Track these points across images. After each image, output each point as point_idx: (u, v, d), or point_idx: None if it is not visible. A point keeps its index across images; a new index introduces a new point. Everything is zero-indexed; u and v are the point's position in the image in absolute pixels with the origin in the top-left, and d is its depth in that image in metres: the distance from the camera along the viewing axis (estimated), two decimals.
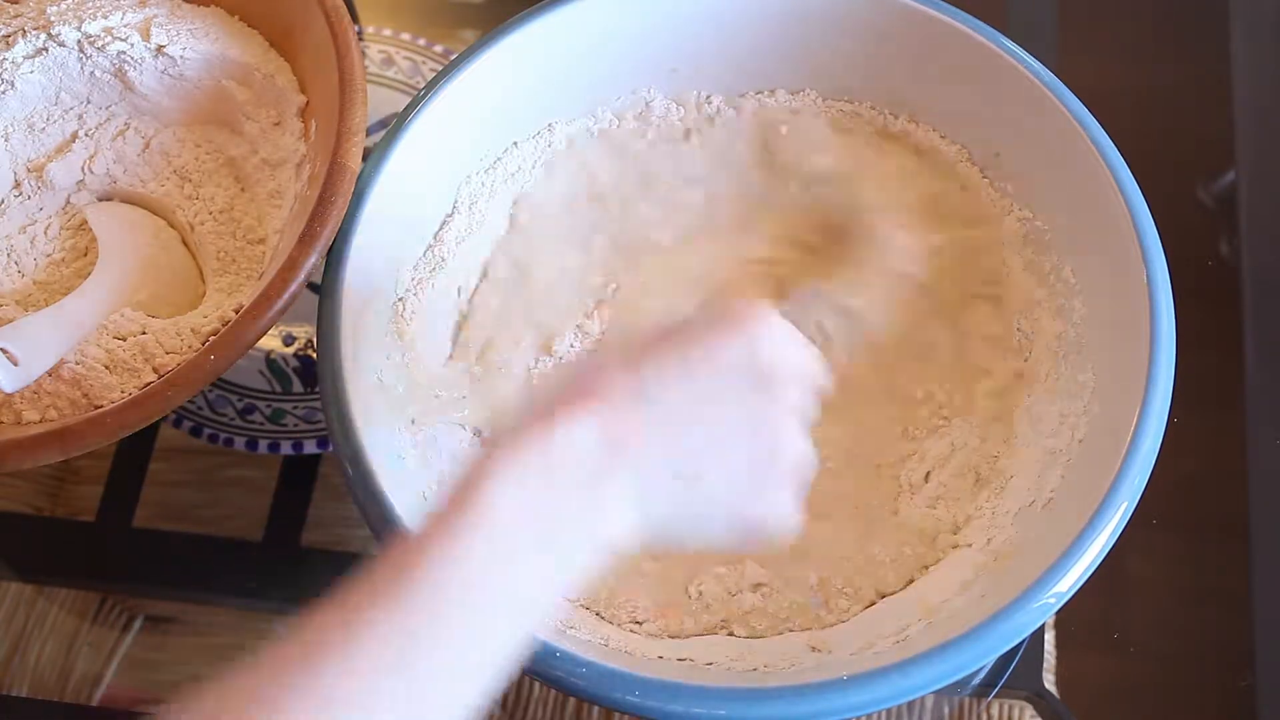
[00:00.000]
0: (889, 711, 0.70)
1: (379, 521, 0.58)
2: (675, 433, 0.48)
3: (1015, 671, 0.71)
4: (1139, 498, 0.58)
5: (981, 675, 0.71)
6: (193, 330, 0.65)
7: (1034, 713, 0.71)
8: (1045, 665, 0.71)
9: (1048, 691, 0.71)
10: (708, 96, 0.76)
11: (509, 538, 0.44)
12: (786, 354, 0.51)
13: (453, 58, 0.70)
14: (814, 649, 0.62)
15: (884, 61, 0.72)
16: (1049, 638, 0.72)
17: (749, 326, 0.50)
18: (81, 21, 0.70)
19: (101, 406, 0.63)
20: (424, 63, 0.89)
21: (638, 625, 0.64)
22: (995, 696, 0.71)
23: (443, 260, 0.71)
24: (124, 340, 0.65)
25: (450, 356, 0.71)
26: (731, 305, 0.52)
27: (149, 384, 0.64)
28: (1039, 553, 0.58)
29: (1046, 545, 0.58)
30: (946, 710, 0.71)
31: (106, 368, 0.64)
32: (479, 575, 0.44)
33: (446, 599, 0.43)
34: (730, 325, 0.50)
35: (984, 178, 0.72)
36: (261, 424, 0.77)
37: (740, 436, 0.50)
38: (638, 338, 0.50)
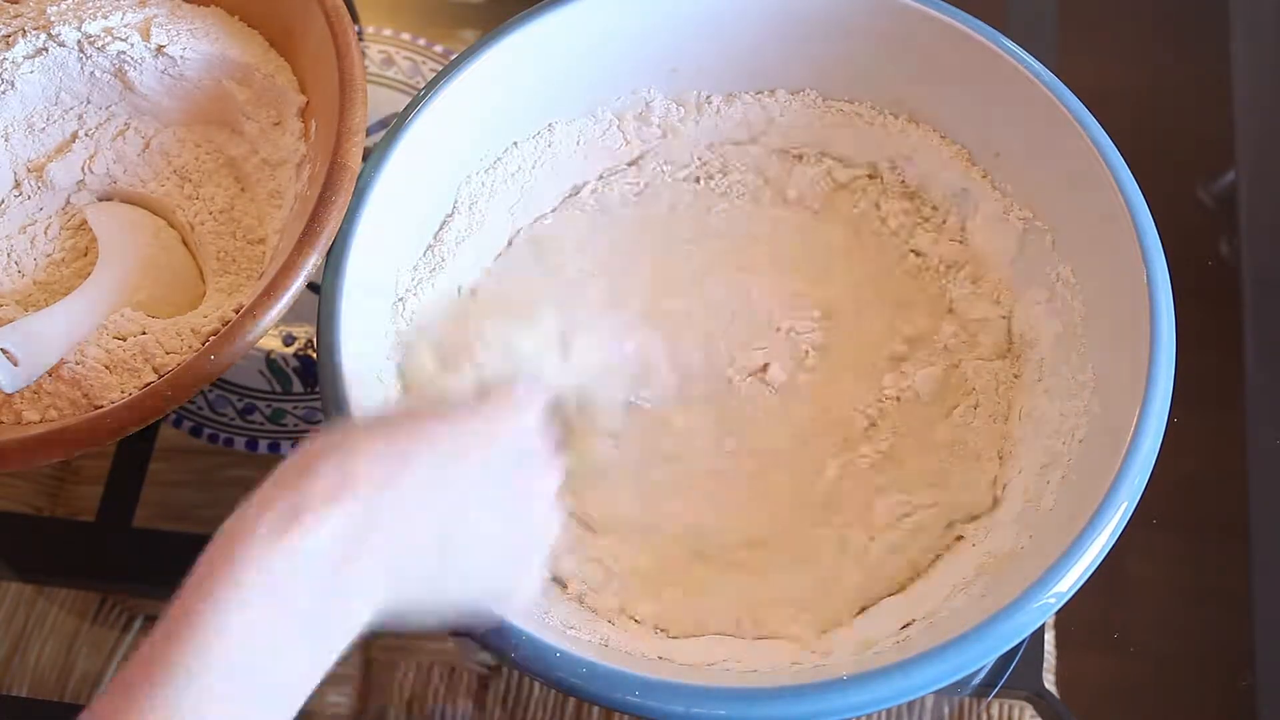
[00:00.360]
0: (889, 711, 0.70)
1: None
2: (433, 513, 0.49)
3: (1015, 671, 0.71)
4: (1139, 498, 0.58)
5: (981, 675, 0.71)
6: (193, 330, 0.65)
7: (1034, 713, 0.71)
8: (1045, 665, 0.71)
9: (1048, 691, 0.71)
10: (708, 96, 0.76)
11: (239, 670, 0.43)
12: (541, 436, 0.55)
13: (453, 58, 0.70)
14: (814, 649, 0.62)
15: (884, 61, 0.72)
16: (1049, 638, 0.72)
17: (522, 410, 0.54)
18: (81, 21, 0.70)
19: (101, 406, 0.63)
20: (424, 63, 0.89)
21: (637, 624, 0.64)
22: (995, 696, 0.71)
23: (443, 260, 0.71)
24: (124, 340, 0.65)
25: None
26: (505, 388, 0.55)
27: (149, 384, 0.63)
28: (1039, 553, 0.58)
29: (1046, 545, 0.58)
30: (946, 710, 0.71)
31: (106, 368, 0.64)
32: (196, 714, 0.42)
33: None
34: (504, 407, 0.54)
35: (984, 178, 0.72)
36: (261, 424, 0.77)
37: (499, 516, 0.52)
38: (404, 414, 0.53)
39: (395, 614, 0.48)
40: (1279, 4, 0.90)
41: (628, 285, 0.73)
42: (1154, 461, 0.58)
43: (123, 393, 0.64)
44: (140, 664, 0.42)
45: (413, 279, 0.70)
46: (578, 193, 0.76)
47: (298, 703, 0.45)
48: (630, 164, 0.77)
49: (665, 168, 0.77)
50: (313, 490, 0.46)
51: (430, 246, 0.71)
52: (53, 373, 0.64)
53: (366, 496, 0.46)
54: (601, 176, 0.77)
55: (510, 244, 0.75)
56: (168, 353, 0.65)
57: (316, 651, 0.46)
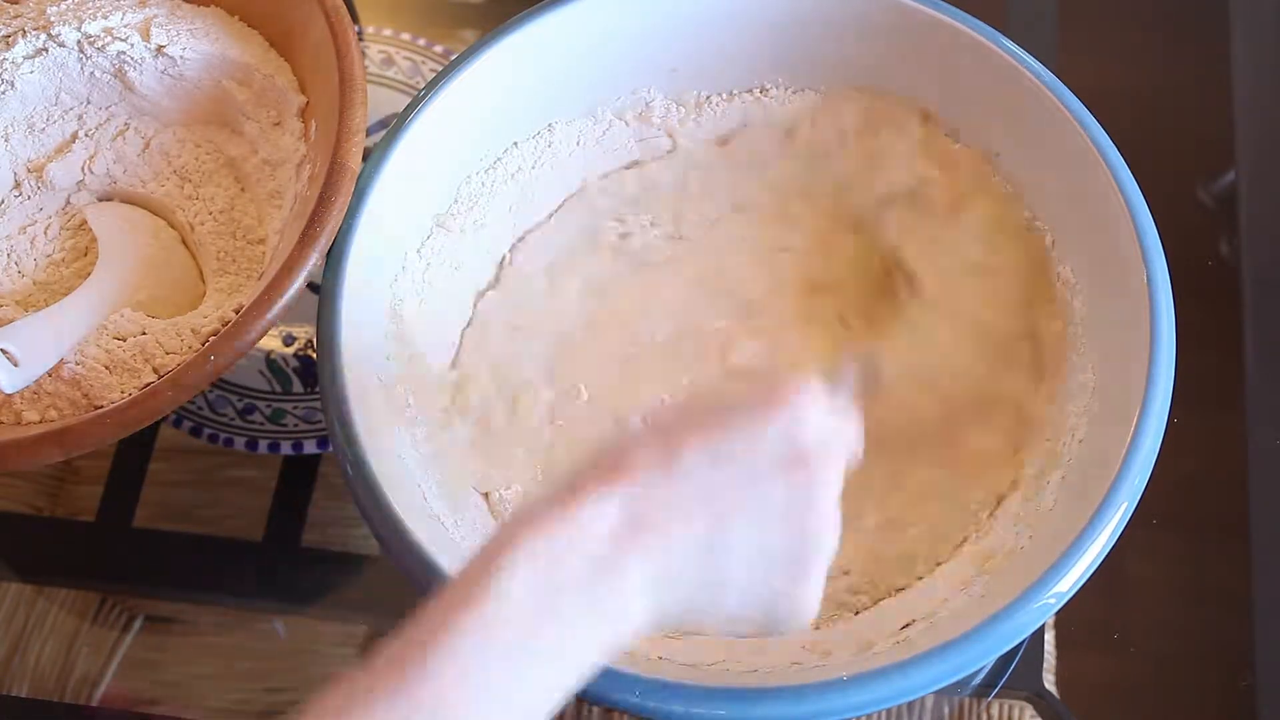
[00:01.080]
0: (889, 711, 0.70)
1: (379, 521, 0.58)
2: (705, 512, 0.47)
3: (1015, 671, 0.71)
4: (1139, 498, 0.58)
5: (981, 675, 0.71)
6: (193, 330, 0.65)
7: (1034, 713, 0.71)
8: (1045, 665, 0.71)
9: (1048, 691, 0.71)
10: (707, 96, 0.76)
11: (517, 635, 0.43)
12: (827, 435, 0.49)
13: (453, 58, 0.71)
14: (814, 649, 0.62)
15: (884, 61, 0.72)
16: (1049, 638, 0.72)
17: (792, 404, 0.49)
18: (81, 22, 0.70)
19: (101, 406, 0.63)
20: (424, 63, 0.89)
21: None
22: (995, 696, 0.71)
23: (443, 261, 0.71)
24: (124, 340, 0.65)
25: (459, 358, 0.71)
26: (776, 380, 0.50)
27: (149, 384, 0.63)
28: (1039, 553, 0.58)
29: (1046, 545, 0.58)
30: (946, 710, 0.71)
31: (106, 368, 0.64)
32: (482, 674, 0.43)
33: (446, 697, 0.42)
34: (773, 401, 0.49)
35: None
36: (261, 424, 0.77)
37: (773, 520, 0.48)
38: (674, 412, 0.50)
39: (667, 623, 0.47)
40: (1279, 4, 0.90)
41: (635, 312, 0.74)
42: (1154, 462, 0.58)
43: (123, 393, 0.64)
44: (411, 641, 0.43)
45: (413, 279, 0.70)
46: (578, 193, 0.76)
47: (570, 682, 0.45)
48: (630, 164, 0.77)
49: (665, 168, 0.77)
50: (584, 478, 0.46)
51: (430, 247, 0.71)
52: (53, 373, 0.64)
53: (633, 494, 0.46)
54: (605, 176, 0.76)
55: (512, 247, 0.75)
56: (168, 353, 0.65)
57: (589, 638, 0.45)
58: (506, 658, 0.43)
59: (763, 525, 0.48)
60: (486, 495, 0.68)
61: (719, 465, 0.47)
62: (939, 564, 0.65)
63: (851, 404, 0.52)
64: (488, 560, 0.44)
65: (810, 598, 0.50)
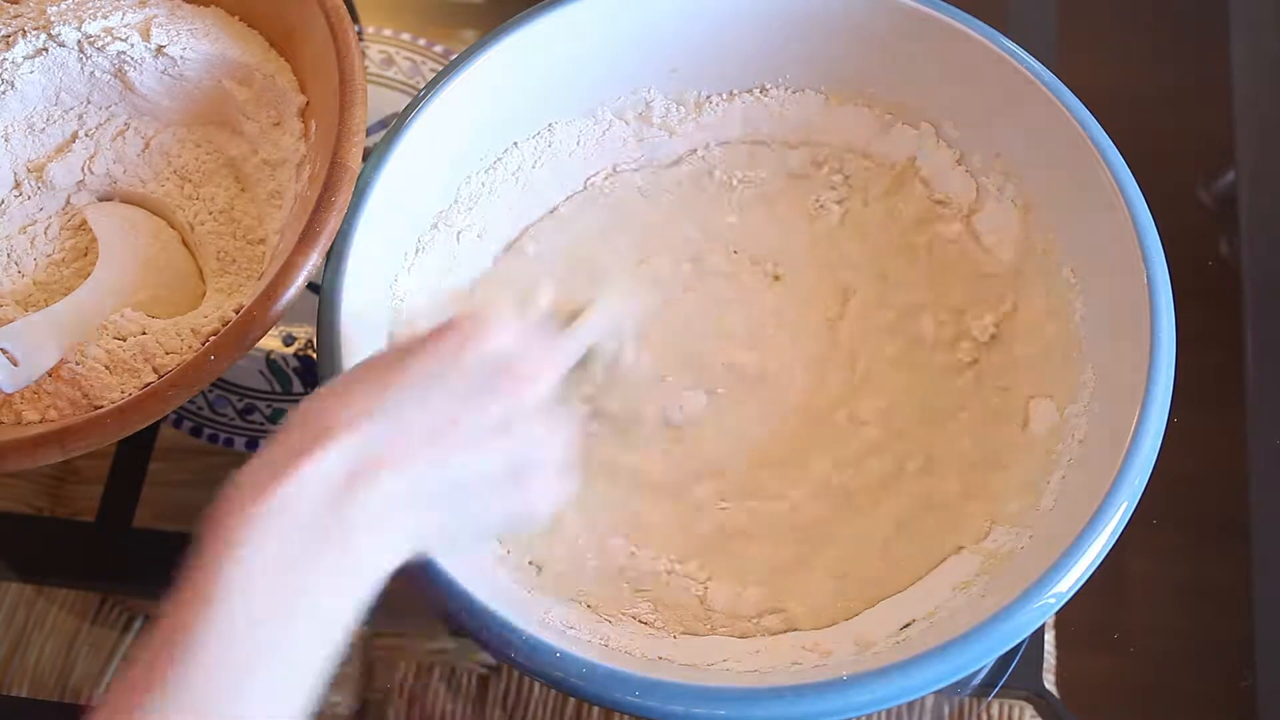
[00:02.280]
0: (889, 711, 0.70)
1: None
2: (424, 437, 0.49)
3: (1015, 671, 0.71)
4: (1139, 498, 0.58)
5: (981, 675, 0.71)
6: (193, 330, 0.65)
7: (1034, 713, 0.71)
8: (1045, 665, 0.71)
9: (1048, 691, 0.71)
10: (707, 96, 0.76)
11: (257, 618, 0.44)
12: (526, 348, 0.54)
13: (453, 58, 0.70)
14: (814, 649, 0.62)
15: (884, 61, 0.73)
16: (1049, 638, 0.72)
17: (487, 326, 0.53)
18: (81, 21, 0.70)
19: (101, 406, 0.63)
20: (424, 63, 0.89)
21: (641, 625, 0.64)
22: (995, 696, 0.71)
23: (443, 260, 0.71)
24: (124, 340, 0.65)
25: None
26: (470, 312, 0.54)
27: (149, 384, 0.63)
28: (1039, 553, 0.58)
29: (1046, 545, 0.58)
30: (946, 710, 0.71)
31: (106, 368, 0.64)
32: (236, 665, 0.43)
33: (212, 695, 0.42)
34: (467, 327, 0.52)
35: (984, 178, 0.72)
36: (261, 424, 0.77)
37: (491, 430, 0.51)
38: (379, 357, 0.52)
39: (432, 544, 0.50)
40: (1279, 4, 0.90)
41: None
42: (1154, 461, 0.58)
43: (123, 393, 0.64)
44: (173, 612, 0.43)
45: (413, 279, 0.70)
46: (577, 194, 0.76)
47: (335, 634, 0.46)
48: (631, 163, 0.77)
49: (666, 168, 0.77)
50: (295, 440, 0.47)
51: (430, 247, 0.71)
52: (53, 373, 0.64)
53: (350, 433, 0.47)
54: (607, 177, 0.76)
55: (511, 248, 0.75)
56: (168, 353, 0.65)
57: (334, 595, 0.46)
58: (252, 641, 0.43)
59: (482, 436, 0.51)
60: None
61: (428, 393, 0.50)
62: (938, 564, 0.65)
63: (554, 336, 0.57)
64: (214, 544, 0.44)
65: (541, 497, 0.53)
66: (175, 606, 0.44)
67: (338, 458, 0.47)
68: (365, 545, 0.47)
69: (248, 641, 0.43)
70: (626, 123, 0.76)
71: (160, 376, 0.64)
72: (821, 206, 0.75)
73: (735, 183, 0.76)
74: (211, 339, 0.64)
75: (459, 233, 0.72)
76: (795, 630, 0.64)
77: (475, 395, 0.51)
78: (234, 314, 0.65)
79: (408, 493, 0.48)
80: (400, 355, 0.52)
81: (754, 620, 0.65)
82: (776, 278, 0.74)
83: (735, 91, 0.76)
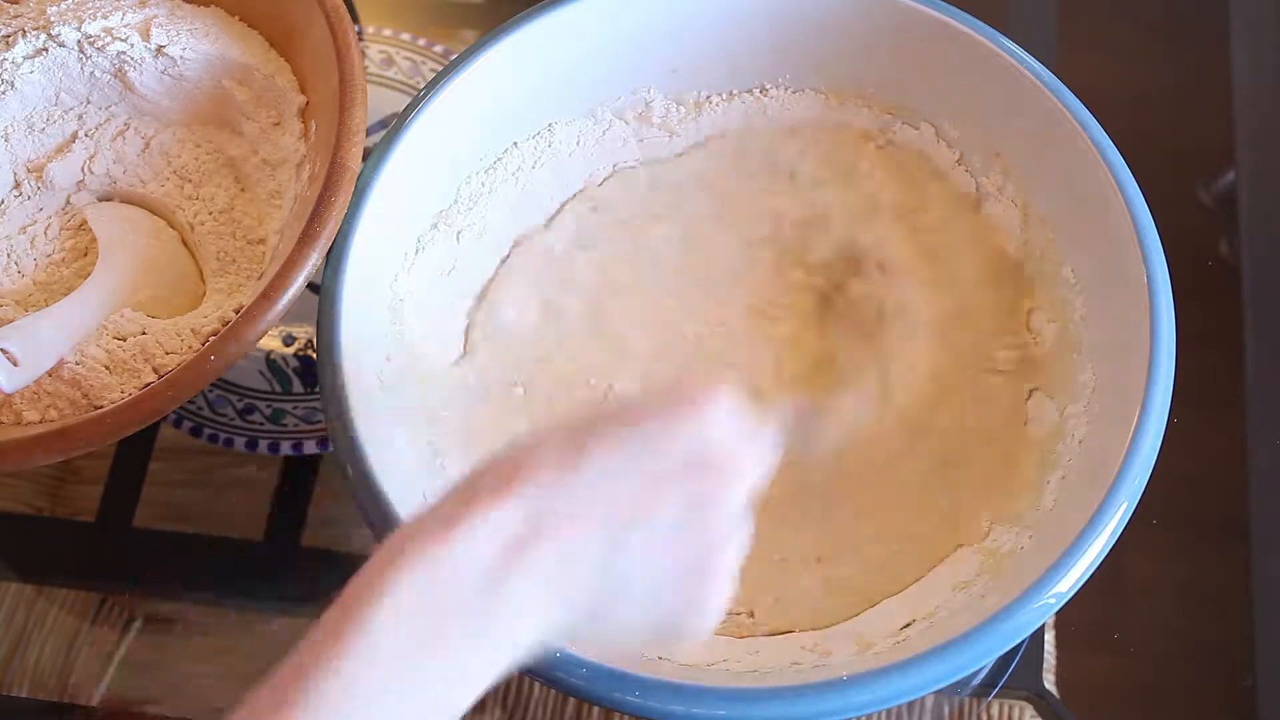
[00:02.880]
0: (889, 711, 0.70)
1: (379, 522, 0.58)
2: (605, 517, 0.46)
3: (1015, 671, 0.71)
4: (1139, 498, 0.58)
5: (981, 675, 0.71)
6: (193, 330, 0.65)
7: (1034, 713, 0.71)
8: (1045, 665, 0.71)
9: (1048, 691, 0.71)
10: (707, 96, 0.76)
11: (389, 671, 0.42)
12: (736, 444, 0.48)
13: (453, 58, 0.70)
14: (814, 649, 0.62)
15: (884, 61, 0.73)
16: (1049, 638, 0.72)
17: (702, 410, 0.48)
18: (81, 22, 0.70)
19: (101, 406, 0.63)
20: (424, 63, 0.89)
21: None
22: (995, 696, 0.71)
23: (443, 260, 0.71)
24: (124, 340, 0.65)
25: (459, 358, 0.71)
26: (686, 386, 0.49)
27: (149, 384, 0.63)
28: (1039, 553, 0.58)
29: (1046, 545, 0.58)
30: (946, 710, 0.71)
31: (106, 368, 0.64)
32: (356, 710, 0.41)
33: None
34: (683, 407, 0.48)
35: (984, 178, 0.72)
36: (261, 424, 0.77)
37: (679, 526, 0.47)
38: (583, 415, 0.48)
39: (565, 635, 0.47)
40: (1279, 4, 0.90)
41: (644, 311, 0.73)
42: (1154, 462, 0.58)
43: (123, 393, 0.64)
44: (293, 666, 0.42)
45: (413, 279, 0.70)
46: (579, 194, 0.76)
47: (462, 702, 0.44)
48: (631, 163, 0.77)
49: (667, 168, 0.77)
50: (478, 488, 0.45)
51: (430, 247, 0.71)
52: (53, 373, 0.64)
53: (530, 498, 0.44)
54: (607, 178, 0.76)
55: (512, 251, 0.75)
56: (168, 353, 0.65)
57: (476, 660, 0.44)
58: (379, 693, 0.42)
59: (664, 532, 0.47)
60: None
61: (624, 468, 0.46)
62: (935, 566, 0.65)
63: (769, 432, 0.51)
64: (368, 583, 0.43)
65: (709, 609, 0.48)
66: (312, 643, 0.42)
67: (506, 519, 0.44)
68: (510, 620, 0.44)
69: (372, 698, 0.42)
70: (626, 123, 0.76)
71: (160, 376, 0.64)
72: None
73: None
74: (211, 339, 0.64)
75: (459, 232, 0.72)
76: (795, 630, 0.64)
77: (672, 482, 0.47)
78: (234, 314, 0.65)
79: (569, 572, 0.45)
80: (609, 420, 0.47)
81: (754, 620, 0.65)
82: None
83: (735, 91, 0.76)
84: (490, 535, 0.44)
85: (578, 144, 0.76)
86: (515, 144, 0.74)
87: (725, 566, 0.48)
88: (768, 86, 0.76)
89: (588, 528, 0.45)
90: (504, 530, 0.44)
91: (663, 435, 0.47)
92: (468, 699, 0.44)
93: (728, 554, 0.48)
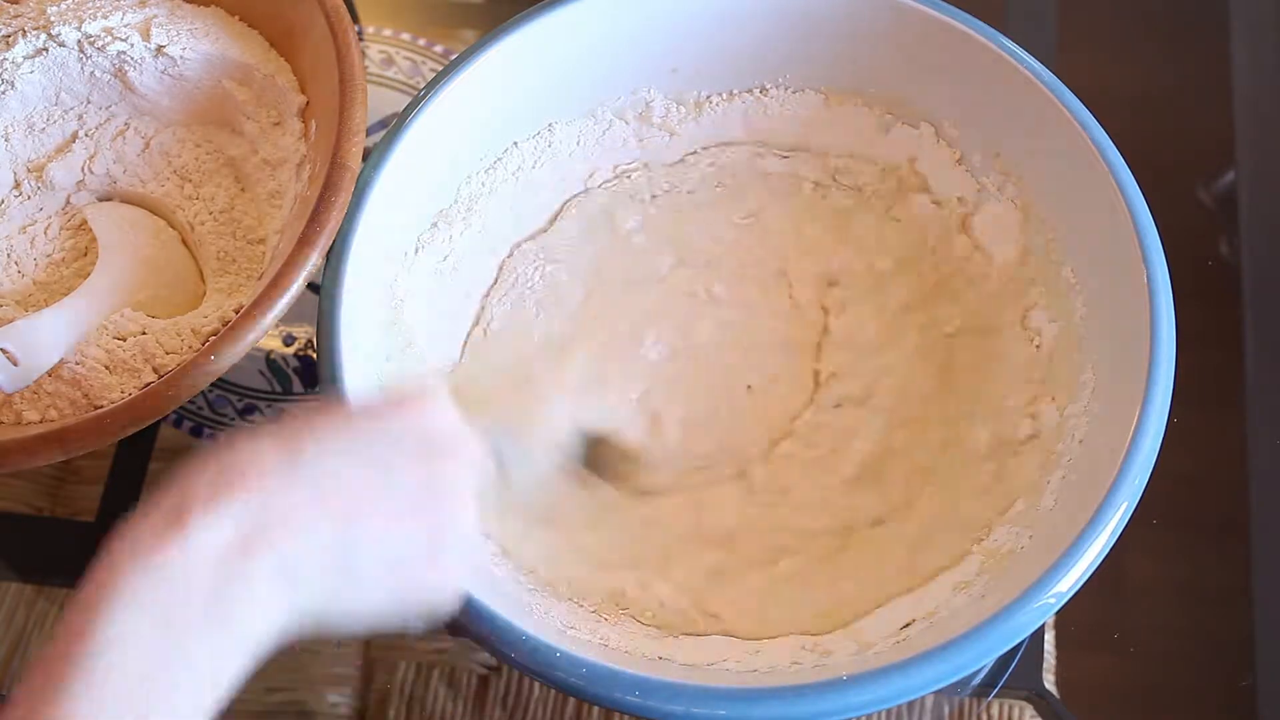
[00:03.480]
0: (889, 711, 0.70)
1: None
2: (333, 508, 0.47)
3: (1015, 671, 0.71)
4: (1139, 498, 0.58)
5: (981, 675, 0.71)
6: (193, 330, 0.65)
7: (1034, 713, 0.71)
8: (1045, 665, 0.71)
9: (1048, 691, 0.71)
10: (708, 96, 0.76)
11: (131, 682, 0.41)
12: (459, 432, 0.51)
13: (453, 58, 0.71)
14: (814, 649, 0.62)
15: (884, 61, 0.73)
16: (1049, 638, 0.72)
17: (424, 405, 0.51)
18: (81, 21, 0.70)
19: (101, 406, 0.63)
20: (424, 63, 0.89)
21: (640, 625, 0.64)
22: (995, 696, 0.71)
23: (443, 261, 0.71)
24: (124, 340, 0.65)
25: (459, 359, 0.71)
26: (407, 390, 0.52)
27: (149, 384, 0.64)
28: (1039, 553, 0.58)
29: (1046, 545, 0.58)
30: (946, 710, 0.71)
31: (106, 368, 0.64)
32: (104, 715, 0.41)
33: None
34: (404, 403, 0.51)
35: (985, 178, 0.72)
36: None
37: (407, 510, 0.49)
38: (307, 415, 0.49)
39: (307, 620, 0.46)
40: (1279, 4, 0.90)
41: (634, 311, 0.73)
42: (1154, 462, 0.58)
43: (123, 393, 0.64)
44: (31, 683, 0.41)
45: (413, 279, 0.70)
46: (579, 194, 0.76)
47: (210, 700, 0.44)
48: (631, 164, 0.77)
49: (669, 169, 0.77)
50: (194, 492, 0.45)
51: (430, 246, 0.71)
52: (53, 373, 0.64)
53: (253, 493, 0.45)
54: (606, 181, 0.76)
55: (513, 251, 0.75)
56: (168, 353, 0.65)
57: (214, 663, 0.44)
58: (126, 701, 0.41)
59: (396, 515, 0.48)
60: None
61: (348, 459, 0.48)
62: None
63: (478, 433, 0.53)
64: (89, 604, 0.42)
65: (445, 586, 0.50)
66: (54, 646, 0.42)
67: (233, 519, 0.44)
68: (246, 616, 0.44)
69: (120, 701, 0.41)
70: (626, 123, 0.76)
71: (160, 376, 0.64)
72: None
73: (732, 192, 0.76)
74: (211, 339, 0.64)
75: (459, 233, 0.72)
76: (796, 631, 0.64)
77: (403, 466, 0.49)
78: (234, 314, 0.65)
79: (301, 562, 0.46)
80: (328, 417, 0.49)
81: (756, 620, 0.65)
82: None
83: (735, 91, 0.76)
84: (215, 536, 0.44)
85: (578, 144, 0.76)
86: (515, 144, 0.74)
87: (455, 548, 0.50)
88: (768, 86, 0.76)
89: (313, 520, 0.46)
90: (228, 532, 0.44)
91: (388, 426, 0.50)
92: (215, 698, 0.44)
93: (457, 535, 0.51)
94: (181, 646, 0.43)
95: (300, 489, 0.46)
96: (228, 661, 0.44)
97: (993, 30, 0.69)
